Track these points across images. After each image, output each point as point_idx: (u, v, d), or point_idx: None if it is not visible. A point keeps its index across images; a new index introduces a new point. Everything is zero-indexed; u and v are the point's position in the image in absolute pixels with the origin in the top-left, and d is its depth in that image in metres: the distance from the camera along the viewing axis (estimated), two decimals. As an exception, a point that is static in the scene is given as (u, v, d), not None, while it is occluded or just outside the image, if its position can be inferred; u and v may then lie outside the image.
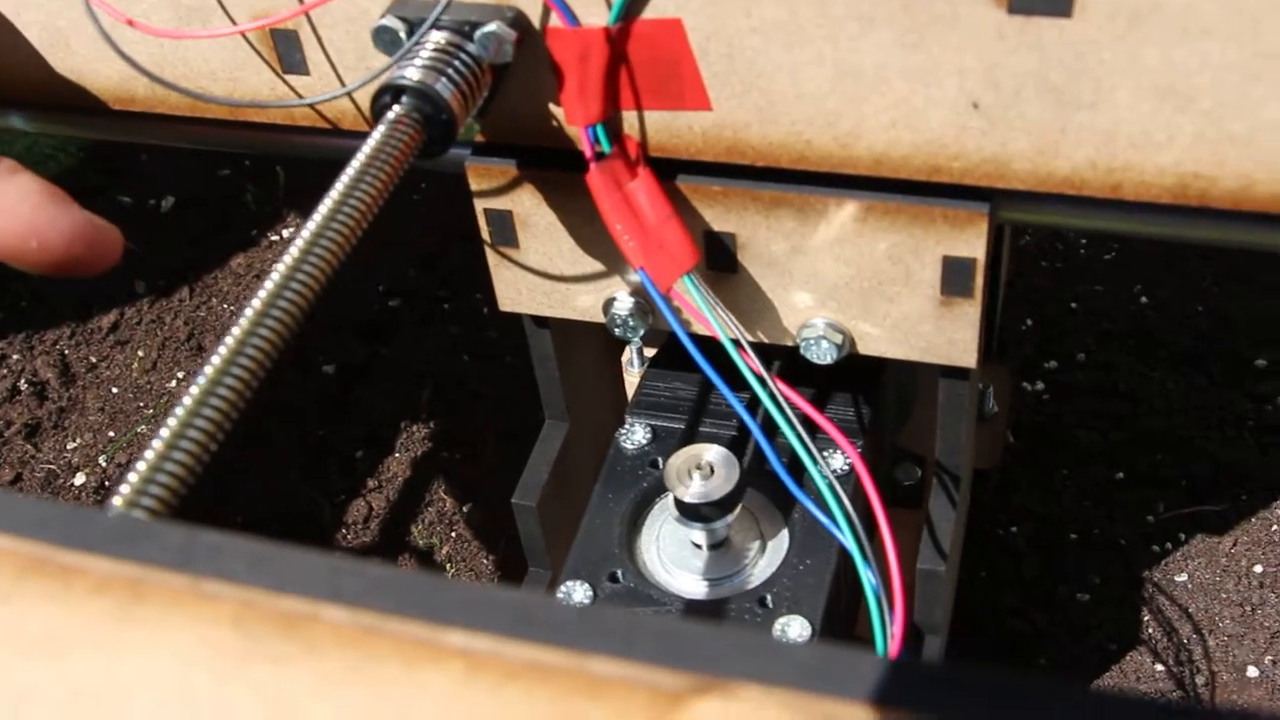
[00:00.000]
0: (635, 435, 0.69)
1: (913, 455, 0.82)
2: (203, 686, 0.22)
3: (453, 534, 1.10)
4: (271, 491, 1.14)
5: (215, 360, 0.39)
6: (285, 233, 1.40)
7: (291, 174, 1.45)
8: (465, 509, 1.12)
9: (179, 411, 0.37)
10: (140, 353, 1.29)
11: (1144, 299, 1.22)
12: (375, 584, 0.24)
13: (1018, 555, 1.04)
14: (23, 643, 0.23)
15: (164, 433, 0.37)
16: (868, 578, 0.53)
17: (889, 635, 0.52)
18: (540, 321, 0.67)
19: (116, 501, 0.34)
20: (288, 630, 0.22)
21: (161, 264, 1.37)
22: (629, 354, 0.86)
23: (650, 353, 0.86)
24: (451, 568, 1.08)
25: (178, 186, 1.46)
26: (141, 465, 0.36)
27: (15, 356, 1.28)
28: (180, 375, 1.26)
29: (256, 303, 0.41)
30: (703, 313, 0.56)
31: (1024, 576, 1.02)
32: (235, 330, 0.40)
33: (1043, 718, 0.21)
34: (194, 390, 0.38)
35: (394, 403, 1.22)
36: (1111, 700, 0.21)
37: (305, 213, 1.41)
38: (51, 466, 1.18)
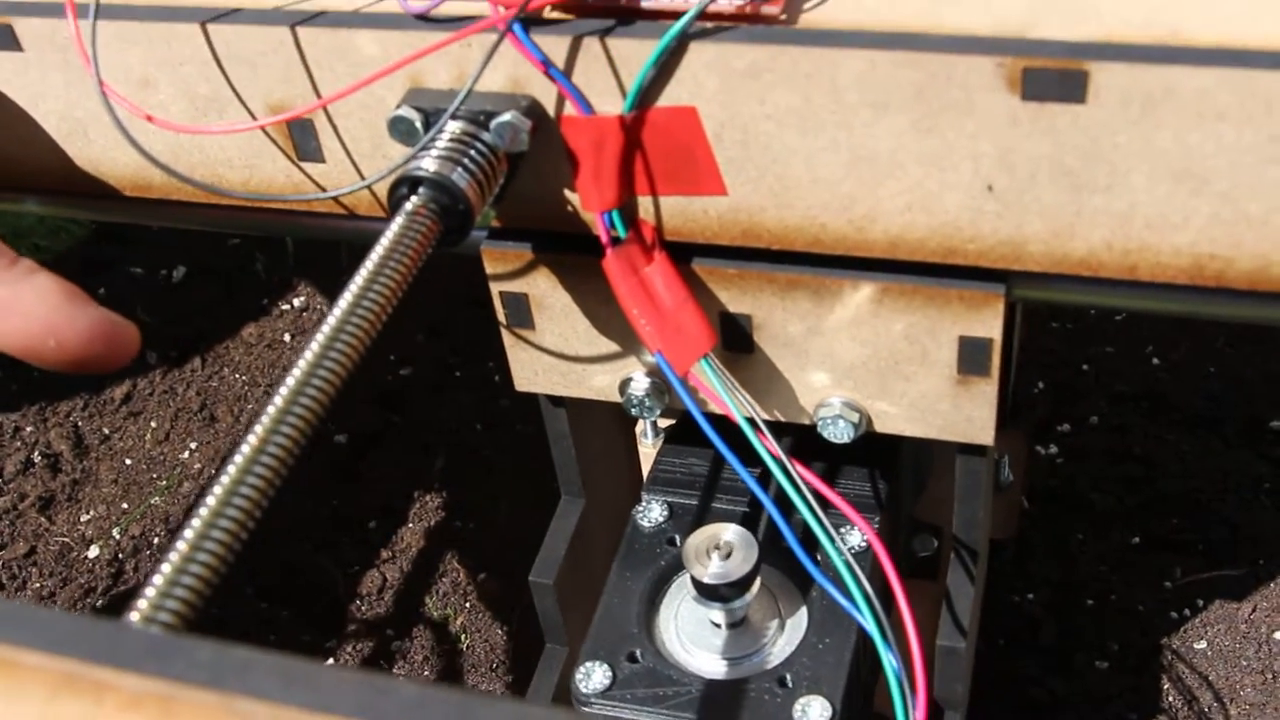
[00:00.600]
0: (652, 512, 0.68)
1: (928, 526, 0.81)
2: (237, 819, 0.22)
3: (467, 604, 1.10)
4: (284, 562, 1.14)
5: (238, 460, 0.39)
6: (296, 302, 1.41)
7: (301, 244, 1.45)
8: (480, 579, 1.12)
9: (203, 512, 0.37)
10: (153, 424, 1.29)
11: (1156, 360, 1.22)
12: (408, 703, 0.24)
13: (1035, 622, 1.03)
14: (56, 773, 0.23)
15: (188, 534, 0.37)
16: (889, 661, 0.53)
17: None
18: (556, 400, 0.67)
19: (143, 606, 0.34)
20: (322, 760, 0.22)
21: (173, 334, 1.37)
22: (643, 425, 0.87)
23: (664, 423, 0.86)
24: (466, 638, 1.07)
25: (188, 256, 1.46)
26: (166, 568, 0.36)
27: (29, 429, 1.29)
28: (193, 445, 1.26)
29: (279, 400, 0.41)
30: (720, 396, 0.56)
31: (1041, 643, 1.02)
32: (257, 429, 0.40)
33: None
34: (217, 490, 0.38)
35: (406, 472, 1.22)
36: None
37: (315, 282, 1.42)
38: (65, 539, 1.18)
